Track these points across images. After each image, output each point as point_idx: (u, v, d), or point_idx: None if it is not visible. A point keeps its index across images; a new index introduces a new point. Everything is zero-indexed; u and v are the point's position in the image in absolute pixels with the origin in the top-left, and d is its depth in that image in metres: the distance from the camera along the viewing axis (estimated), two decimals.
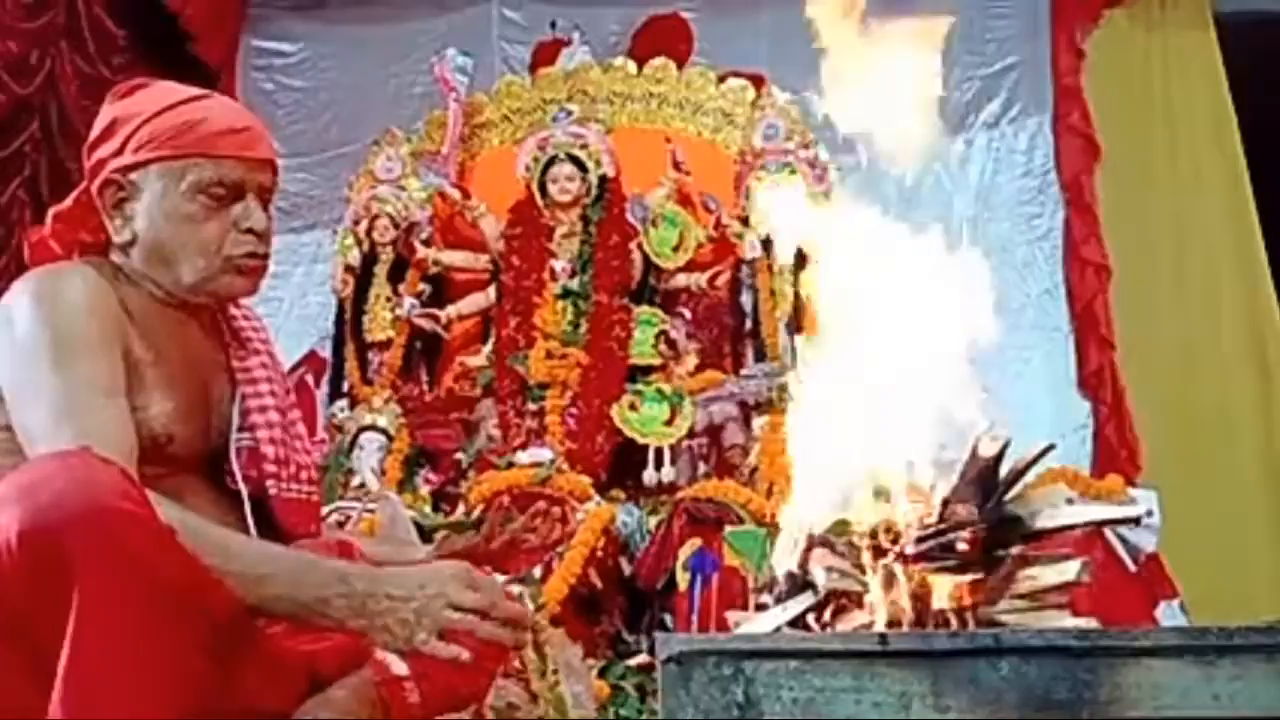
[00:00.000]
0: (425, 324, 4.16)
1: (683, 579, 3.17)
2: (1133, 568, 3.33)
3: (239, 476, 1.44)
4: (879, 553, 1.21)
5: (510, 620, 1.21)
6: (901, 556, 1.20)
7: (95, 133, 1.47)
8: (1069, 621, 1.17)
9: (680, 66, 4.50)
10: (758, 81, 4.40)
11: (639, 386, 3.83)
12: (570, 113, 4.22)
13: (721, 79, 4.44)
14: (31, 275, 1.39)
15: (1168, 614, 3.43)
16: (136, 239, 1.42)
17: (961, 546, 1.22)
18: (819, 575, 1.17)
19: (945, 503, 1.26)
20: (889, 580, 1.17)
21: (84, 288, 1.36)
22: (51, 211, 1.49)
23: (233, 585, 1.18)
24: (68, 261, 1.45)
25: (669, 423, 3.73)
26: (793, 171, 4.05)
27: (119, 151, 1.43)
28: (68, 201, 1.48)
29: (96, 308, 1.35)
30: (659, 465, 3.67)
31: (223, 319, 1.53)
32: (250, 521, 1.42)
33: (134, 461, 1.27)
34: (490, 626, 1.19)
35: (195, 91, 1.49)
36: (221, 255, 1.42)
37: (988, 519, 1.22)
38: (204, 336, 1.49)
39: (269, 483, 1.45)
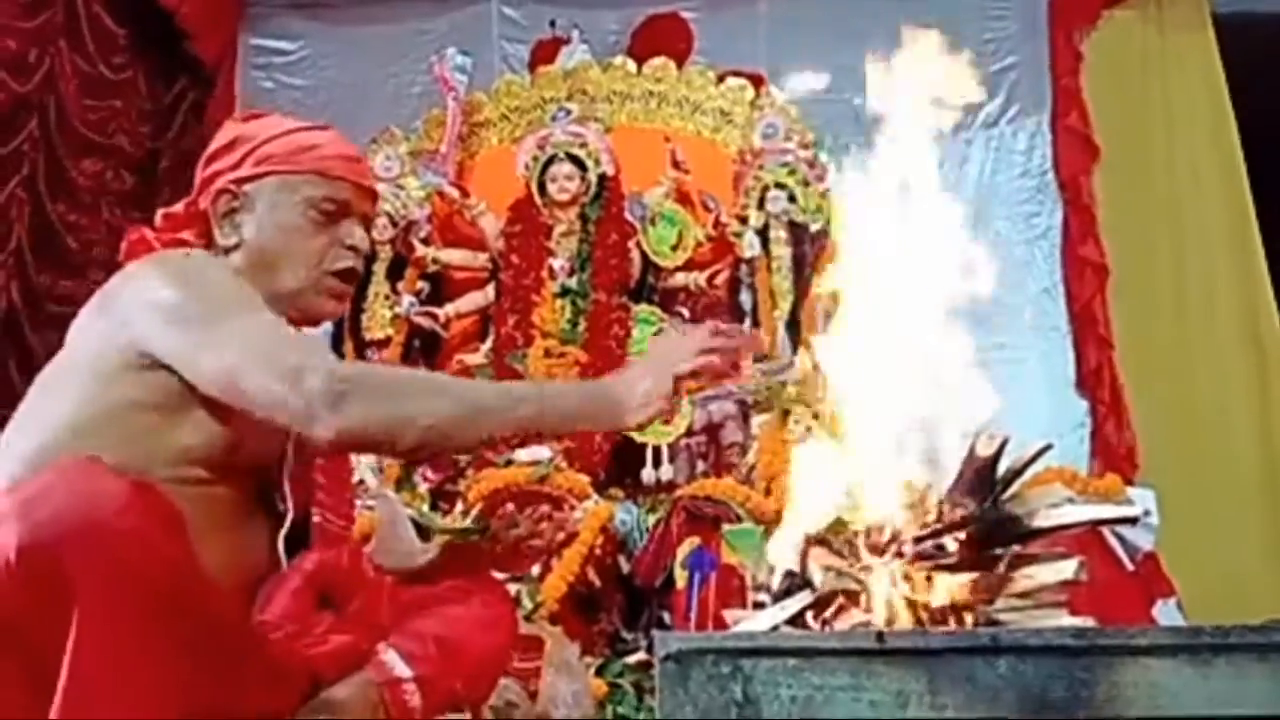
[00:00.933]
0: (424, 322, 4.17)
1: (681, 577, 3.18)
2: (1130, 566, 3.34)
3: (289, 498, 1.45)
4: (877, 552, 1.21)
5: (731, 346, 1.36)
6: (899, 556, 1.20)
7: (214, 147, 1.54)
8: (1066, 620, 1.18)
9: (679, 66, 4.50)
10: (757, 81, 4.40)
11: None
12: (569, 112, 4.22)
13: (721, 78, 4.44)
14: (150, 257, 1.44)
15: (1164, 613, 3.43)
16: (242, 244, 1.47)
17: (958, 546, 1.22)
18: (817, 575, 1.18)
19: (942, 502, 1.26)
20: (887, 580, 1.17)
21: (213, 261, 1.42)
22: (160, 212, 1.54)
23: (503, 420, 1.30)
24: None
25: (667, 421, 3.73)
26: (792, 171, 4.06)
27: (237, 165, 1.49)
28: (177, 206, 1.53)
29: (233, 278, 1.41)
30: (657, 463, 3.67)
31: None
32: (281, 545, 1.43)
33: (327, 350, 1.35)
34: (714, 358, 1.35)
35: (314, 123, 1.58)
36: (322, 268, 1.47)
37: (985, 518, 1.23)
38: None
39: (315, 509, 1.47)
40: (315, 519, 1.48)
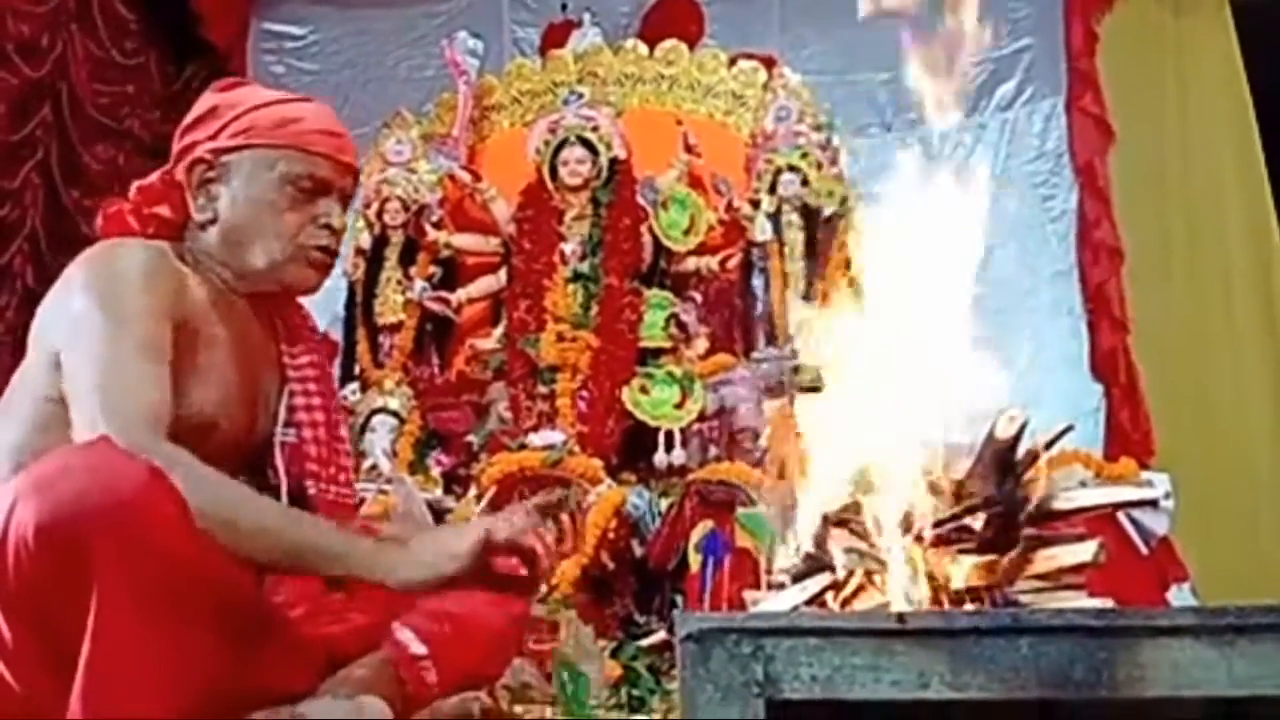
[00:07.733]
0: (436, 307, 4.16)
1: (695, 560, 3.18)
2: (1144, 551, 3.33)
3: (281, 471, 1.45)
4: (897, 534, 1.21)
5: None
6: (919, 538, 1.20)
7: (191, 117, 1.52)
8: (1085, 602, 1.17)
9: (691, 48, 4.48)
10: (769, 63, 4.38)
11: (649, 369, 3.82)
12: (581, 95, 4.20)
13: (733, 61, 4.42)
14: (95, 247, 1.42)
15: (1178, 598, 3.42)
16: (216, 219, 1.46)
17: (978, 527, 1.22)
18: (838, 556, 1.18)
19: (961, 484, 1.26)
20: (907, 561, 1.17)
21: (143, 260, 1.39)
22: (135, 185, 1.52)
23: (250, 537, 1.22)
24: (133, 237, 1.47)
25: (679, 406, 3.73)
26: (804, 154, 4.04)
27: (214, 135, 1.47)
28: (152, 178, 1.52)
29: (152, 281, 1.37)
30: (669, 448, 3.66)
31: (279, 316, 1.55)
32: None
33: (164, 421, 1.27)
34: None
35: (296, 95, 1.57)
36: (295, 243, 1.45)
37: (1004, 500, 1.22)
38: (260, 330, 1.51)
39: (309, 481, 1.47)
40: (311, 490, 1.48)
